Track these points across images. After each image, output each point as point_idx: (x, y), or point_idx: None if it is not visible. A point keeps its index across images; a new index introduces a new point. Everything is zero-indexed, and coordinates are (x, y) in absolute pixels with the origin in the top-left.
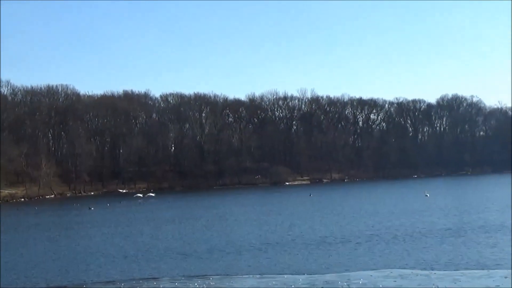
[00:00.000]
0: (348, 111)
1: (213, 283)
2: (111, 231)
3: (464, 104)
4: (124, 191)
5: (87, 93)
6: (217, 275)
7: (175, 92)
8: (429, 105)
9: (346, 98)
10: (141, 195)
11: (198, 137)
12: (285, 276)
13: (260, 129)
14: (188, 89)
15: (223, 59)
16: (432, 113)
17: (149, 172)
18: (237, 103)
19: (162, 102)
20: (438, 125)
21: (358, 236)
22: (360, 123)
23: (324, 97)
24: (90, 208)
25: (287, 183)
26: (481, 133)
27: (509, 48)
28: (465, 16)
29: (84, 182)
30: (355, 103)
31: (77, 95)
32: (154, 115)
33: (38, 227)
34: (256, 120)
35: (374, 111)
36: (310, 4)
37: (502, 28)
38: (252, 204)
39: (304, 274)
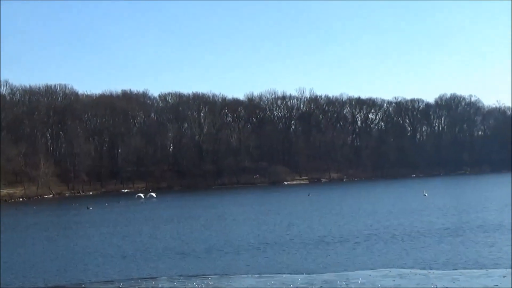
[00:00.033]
0: (346, 110)
1: (212, 283)
2: (109, 230)
3: (463, 104)
4: (126, 190)
5: (86, 93)
6: (216, 274)
7: (174, 92)
8: (428, 105)
9: (344, 98)
10: (142, 195)
11: (197, 136)
12: (284, 275)
13: (258, 128)
14: (186, 89)
15: (221, 59)
16: (431, 113)
17: (147, 172)
18: (235, 102)
19: (160, 102)
20: (436, 124)
21: (356, 235)
22: (359, 122)
23: (323, 96)
24: (88, 208)
25: (286, 183)
26: (480, 132)
27: (507, 47)
28: (463, 15)
29: (82, 182)
30: (353, 103)
31: (75, 94)
32: (152, 115)
33: (36, 226)
34: (254, 120)
35: (372, 110)
36: (309, 3)
37: (500, 27)
38: (251, 203)
39: (302, 273)
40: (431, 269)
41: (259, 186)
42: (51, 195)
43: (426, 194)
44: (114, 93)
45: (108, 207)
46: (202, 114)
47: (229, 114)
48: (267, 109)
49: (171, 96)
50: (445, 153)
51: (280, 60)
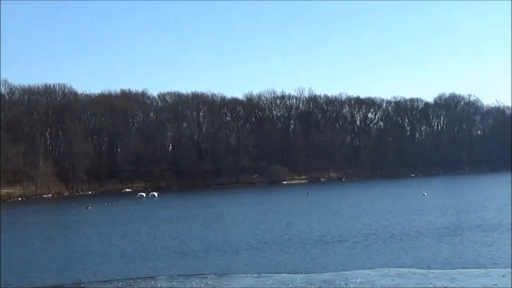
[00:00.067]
0: (345, 110)
1: (211, 282)
2: (108, 230)
3: (462, 103)
4: (128, 190)
5: (85, 92)
6: (215, 274)
7: (173, 91)
8: (427, 104)
9: (343, 97)
10: (144, 194)
11: (196, 136)
12: (283, 275)
13: (257, 128)
14: (185, 88)
15: (220, 58)
16: (430, 112)
17: (146, 171)
18: (234, 102)
19: (159, 101)
20: (435, 124)
21: (355, 235)
22: (358, 122)
23: (322, 96)
24: (87, 208)
25: (285, 182)
26: (479, 132)
27: (507, 47)
28: (462, 14)
29: (81, 181)
30: (352, 102)
31: (74, 94)
32: (151, 114)
33: (35, 226)
34: (253, 119)
35: (371, 110)
36: (308, 3)
37: (500, 26)
38: (250, 203)
39: (301, 273)
40: (430, 269)
41: (258, 186)
42: (50, 195)
43: (425, 194)
44: (113, 92)
45: (107, 207)
46: (201, 114)
47: (228, 114)
48: (266, 109)
49: (170, 95)
50: (444, 153)
51: (279, 60)
